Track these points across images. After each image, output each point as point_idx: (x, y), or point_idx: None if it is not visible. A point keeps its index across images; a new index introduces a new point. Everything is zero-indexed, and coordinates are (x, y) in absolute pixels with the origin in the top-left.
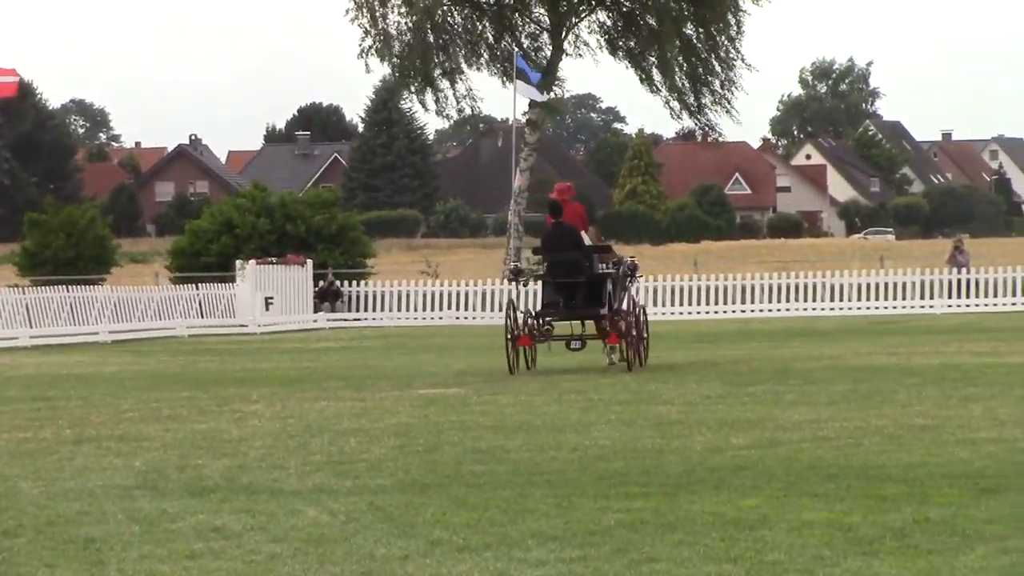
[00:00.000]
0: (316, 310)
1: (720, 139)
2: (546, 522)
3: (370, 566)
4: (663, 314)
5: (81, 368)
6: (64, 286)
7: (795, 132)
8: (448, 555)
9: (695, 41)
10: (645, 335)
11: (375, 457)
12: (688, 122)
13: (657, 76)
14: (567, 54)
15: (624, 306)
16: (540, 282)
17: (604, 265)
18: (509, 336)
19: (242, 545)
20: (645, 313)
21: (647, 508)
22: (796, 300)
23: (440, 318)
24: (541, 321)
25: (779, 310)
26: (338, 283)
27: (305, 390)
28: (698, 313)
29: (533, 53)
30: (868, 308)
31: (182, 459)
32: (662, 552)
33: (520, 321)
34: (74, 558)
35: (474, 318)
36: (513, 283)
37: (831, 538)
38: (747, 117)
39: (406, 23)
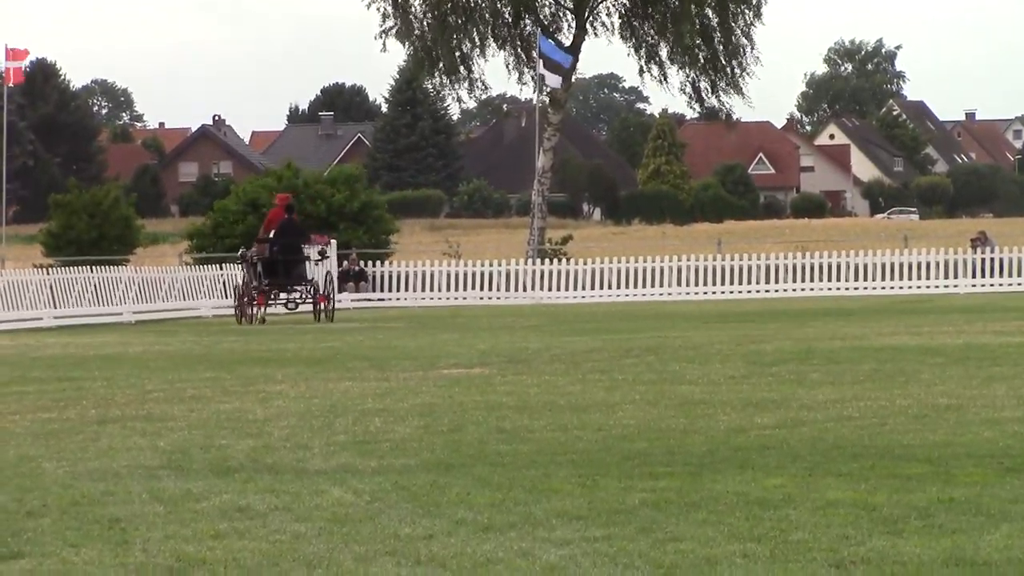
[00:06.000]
0: (340, 290)
1: (734, 119)
2: (570, 501)
3: (395, 545)
4: (687, 294)
5: (106, 348)
6: (88, 267)
7: (825, 109)
8: (472, 534)
9: (713, 23)
10: (333, 297)
11: (399, 437)
12: (707, 103)
13: (666, 57)
14: (592, 34)
15: (320, 276)
16: (260, 262)
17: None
18: (245, 299)
19: (267, 525)
20: (333, 282)
21: (671, 487)
22: (820, 280)
23: (464, 298)
24: (271, 287)
25: (803, 290)
26: (362, 263)
27: (329, 370)
28: (722, 293)
29: (554, 33)
30: (892, 288)
31: (207, 439)
32: (686, 531)
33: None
34: (99, 538)
35: (498, 298)
36: (243, 263)
37: (855, 517)
38: (770, 97)
39: (425, 5)
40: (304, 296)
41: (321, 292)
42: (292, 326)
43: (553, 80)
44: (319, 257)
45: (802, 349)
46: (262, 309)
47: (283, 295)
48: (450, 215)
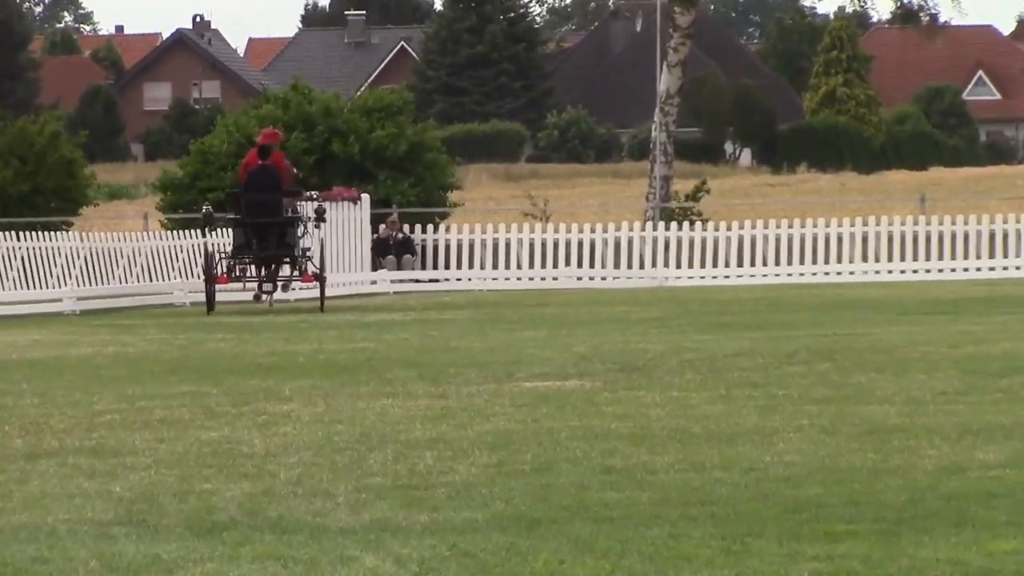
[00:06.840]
0: (375, 267)
1: (941, 22)
2: (710, 573)
3: None
4: (875, 272)
5: (38, 350)
6: (15, 232)
7: None
8: None
9: None
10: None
11: (461, 480)
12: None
13: None
14: None
15: (314, 248)
16: (233, 226)
17: (290, 210)
18: (205, 277)
19: None
20: (324, 255)
21: (856, 554)
22: None
23: (554, 278)
24: (235, 262)
25: None
26: (406, 228)
27: (359, 383)
28: (926, 271)
29: None
30: None
31: (182, 483)
32: None
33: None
34: None
35: (603, 278)
36: (206, 228)
37: None
38: None
39: None
40: (298, 275)
41: (308, 269)
42: (297, 317)
43: None
44: (316, 218)
45: None
46: (267, 295)
47: (266, 271)
48: (534, 159)
